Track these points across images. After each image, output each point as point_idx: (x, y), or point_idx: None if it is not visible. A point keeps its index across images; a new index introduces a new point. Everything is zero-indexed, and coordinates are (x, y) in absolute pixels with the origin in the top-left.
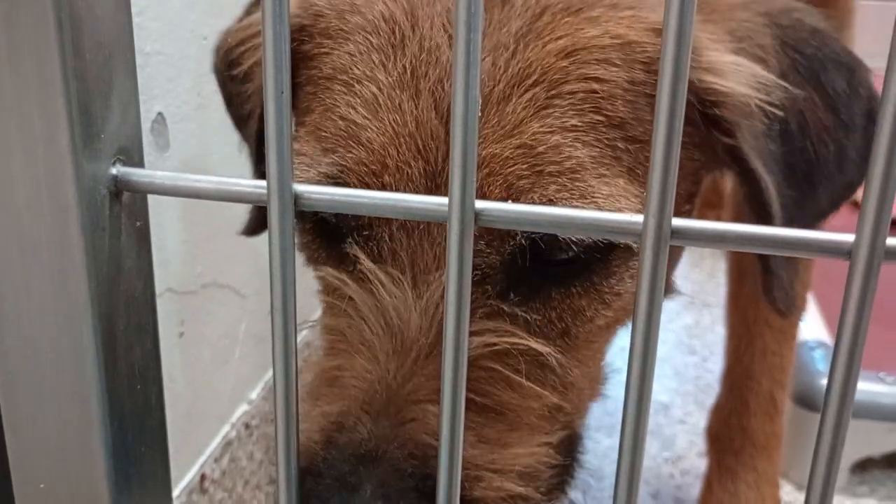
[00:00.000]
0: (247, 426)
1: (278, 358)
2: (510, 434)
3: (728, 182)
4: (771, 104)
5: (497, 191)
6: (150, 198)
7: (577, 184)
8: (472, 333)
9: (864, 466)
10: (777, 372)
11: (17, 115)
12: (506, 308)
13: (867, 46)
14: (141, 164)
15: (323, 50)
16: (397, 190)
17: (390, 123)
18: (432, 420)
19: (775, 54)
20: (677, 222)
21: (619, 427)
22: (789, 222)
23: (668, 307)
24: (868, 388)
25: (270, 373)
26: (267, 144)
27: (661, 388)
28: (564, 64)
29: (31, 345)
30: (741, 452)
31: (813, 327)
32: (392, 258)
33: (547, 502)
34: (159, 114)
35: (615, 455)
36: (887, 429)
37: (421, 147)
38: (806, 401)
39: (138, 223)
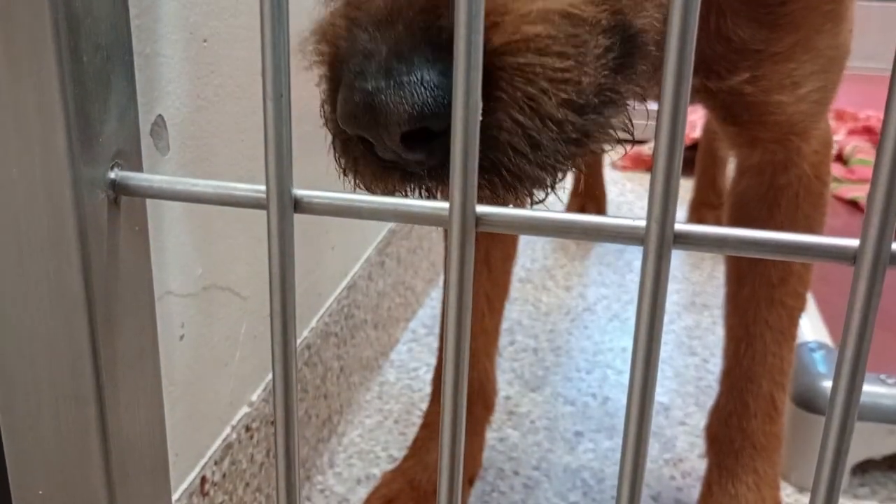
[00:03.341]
0: (247, 428)
1: (278, 363)
2: None
3: (727, 182)
4: None
5: None
6: (149, 200)
7: None
8: None
9: (864, 468)
10: (777, 373)
11: (14, 118)
12: None
13: (870, 48)
14: (139, 168)
15: None
16: None
17: None
18: None
19: None
20: (681, 227)
21: (619, 428)
22: None
23: (669, 309)
24: (869, 389)
25: (271, 375)
26: (266, 148)
27: (662, 390)
28: None
29: (28, 350)
30: (741, 454)
31: (813, 328)
32: None
33: (592, 79)
34: (159, 116)
35: (615, 457)
36: (888, 430)
37: None
38: (807, 402)
39: (136, 227)
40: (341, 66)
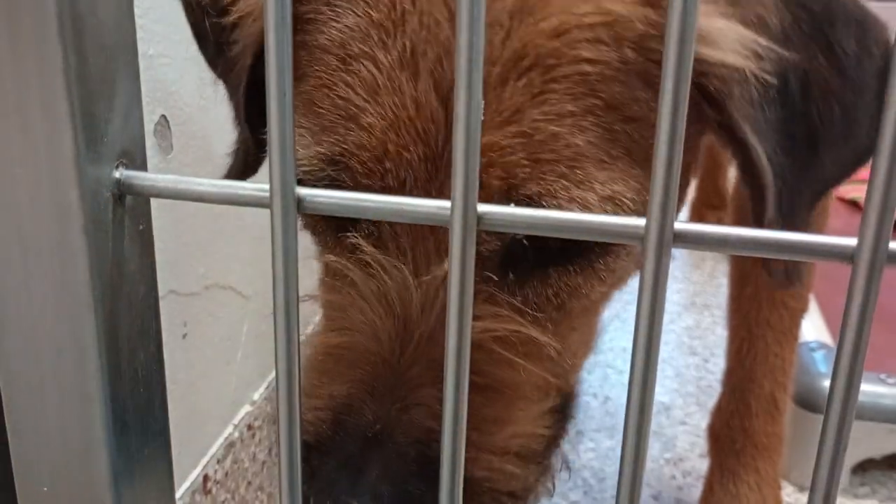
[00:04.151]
0: (249, 427)
1: (281, 362)
2: (508, 411)
3: (730, 183)
4: (766, 70)
5: (496, 181)
6: (152, 200)
7: (576, 171)
8: (472, 318)
9: (864, 467)
10: (779, 373)
11: (19, 119)
12: (504, 290)
13: None
14: (144, 168)
15: (320, 17)
16: (397, 175)
17: (391, 107)
18: (435, 404)
19: (776, 11)
20: (680, 226)
21: (619, 428)
22: (788, 193)
23: (669, 308)
24: (869, 389)
25: (273, 374)
26: (270, 148)
27: (663, 389)
28: (556, 45)
29: (33, 349)
30: (743, 453)
31: (814, 328)
32: (394, 245)
33: (541, 472)
34: (162, 116)
35: (616, 456)
36: (888, 430)
37: (420, 131)
38: (807, 402)
39: (141, 227)
40: (325, 464)
